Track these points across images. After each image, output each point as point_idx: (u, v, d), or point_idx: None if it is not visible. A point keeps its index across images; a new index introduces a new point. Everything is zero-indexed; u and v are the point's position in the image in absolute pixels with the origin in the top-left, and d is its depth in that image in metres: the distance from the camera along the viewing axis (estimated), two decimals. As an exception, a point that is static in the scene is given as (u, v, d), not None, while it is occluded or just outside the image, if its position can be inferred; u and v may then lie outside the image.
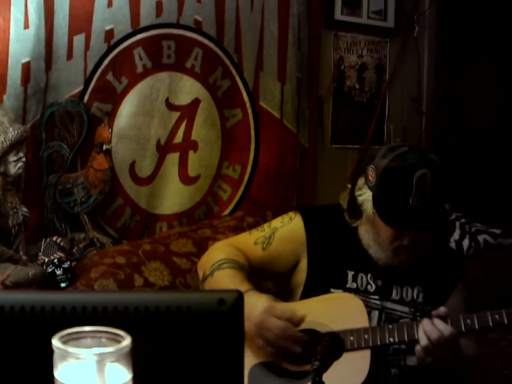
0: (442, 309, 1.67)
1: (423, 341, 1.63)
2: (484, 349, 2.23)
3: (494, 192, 3.50)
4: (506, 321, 1.66)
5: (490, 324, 1.66)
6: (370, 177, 1.78)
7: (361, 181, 1.82)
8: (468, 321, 1.67)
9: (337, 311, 1.77)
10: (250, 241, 1.92)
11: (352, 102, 3.38)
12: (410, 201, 1.69)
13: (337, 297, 1.82)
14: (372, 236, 1.82)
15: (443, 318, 1.66)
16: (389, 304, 1.83)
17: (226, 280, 1.76)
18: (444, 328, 1.63)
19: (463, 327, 1.67)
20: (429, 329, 1.63)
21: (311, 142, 3.19)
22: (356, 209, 1.83)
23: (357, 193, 1.82)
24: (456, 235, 3.17)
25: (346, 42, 3.34)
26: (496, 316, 1.66)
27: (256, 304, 1.65)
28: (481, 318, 1.67)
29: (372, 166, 1.78)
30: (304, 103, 3.13)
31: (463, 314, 1.70)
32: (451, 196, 1.80)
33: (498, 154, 3.55)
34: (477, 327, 1.67)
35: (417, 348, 1.65)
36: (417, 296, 1.84)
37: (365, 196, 1.80)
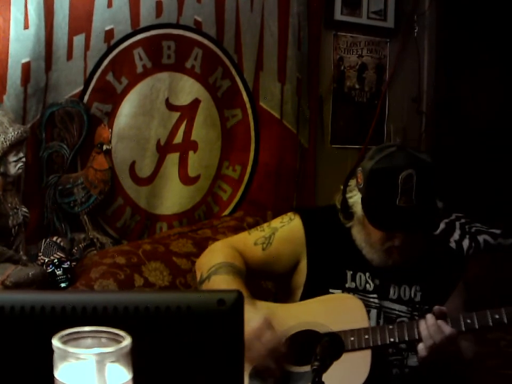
0: (443, 308, 1.67)
1: (425, 339, 1.63)
2: (483, 349, 2.23)
3: (494, 192, 3.50)
4: (506, 320, 1.66)
5: (490, 323, 1.66)
6: (359, 179, 1.78)
7: (352, 182, 1.83)
8: (468, 320, 1.67)
9: (338, 311, 1.77)
10: (250, 241, 1.91)
11: (352, 102, 3.38)
12: (397, 203, 1.69)
13: (337, 297, 1.82)
14: (363, 237, 1.82)
15: (443, 317, 1.66)
16: (387, 303, 1.83)
17: (223, 286, 1.74)
18: (445, 327, 1.63)
19: (463, 326, 1.67)
20: (432, 329, 1.63)
21: (311, 142, 3.19)
22: (347, 211, 1.83)
23: (348, 195, 1.82)
24: (456, 235, 3.17)
25: (346, 43, 3.34)
26: (496, 315, 1.66)
27: (251, 320, 1.58)
28: (481, 317, 1.67)
29: (360, 168, 1.78)
30: (304, 103, 3.13)
31: (463, 313, 1.70)
32: (443, 194, 1.78)
33: (498, 154, 3.55)
34: (477, 326, 1.67)
35: (420, 346, 1.65)
36: (415, 295, 1.84)
37: (355, 198, 1.80)
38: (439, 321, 1.64)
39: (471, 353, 1.80)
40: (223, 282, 1.75)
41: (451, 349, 1.65)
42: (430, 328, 1.64)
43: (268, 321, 1.61)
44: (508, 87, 3.62)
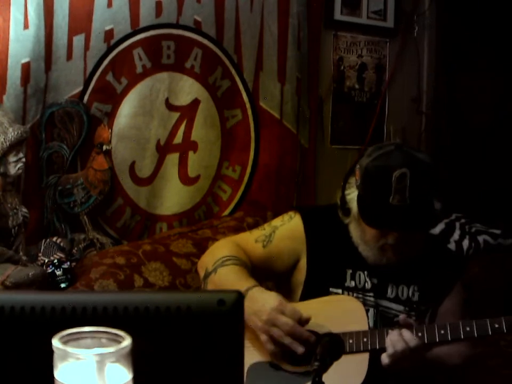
0: (409, 320, 1.67)
1: (388, 348, 1.63)
2: (483, 349, 2.23)
3: (494, 192, 3.50)
4: (505, 330, 1.64)
5: (490, 332, 1.65)
6: (356, 177, 1.79)
7: (352, 179, 1.83)
8: (467, 328, 1.66)
9: (337, 313, 1.77)
10: (251, 239, 1.92)
11: (352, 102, 3.38)
12: (390, 201, 1.69)
13: (337, 299, 1.82)
14: (359, 234, 1.83)
15: (410, 327, 1.66)
16: (384, 303, 1.83)
17: (230, 276, 1.75)
18: (410, 339, 1.63)
19: (462, 334, 1.66)
20: (395, 340, 1.63)
21: (311, 142, 3.19)
22: (345, 207, 1.84)
23: (347, 191, 1.83)
24: (456, 235, 3.16)
25: (346, 43, 3.34)
26: (496, 324, 1.65)
27: (268, 300, 1.66)
28: (480, 326, 1.66)
29: (358, 165, 1.78)
30: (304, 103, 3.13)
31: (462, 321, 1.69)
32: (441, 194, 1.78)
33: (498, 154, 3.55)
34: (475, 334, 1.66)
35: (383, 355, 1.65)
36: (413, 295, 1.84)
37: (352, 195, 1.81)
38: (404, 331, 1.64)
39: (457, 361, 1.80)
40: (230, 273, 1.76)
41: (416, 359, 1.64)
42: (392, 337, 1.64)
43: (282, 297, 1.69)
44: (508, 87, 3.61)
